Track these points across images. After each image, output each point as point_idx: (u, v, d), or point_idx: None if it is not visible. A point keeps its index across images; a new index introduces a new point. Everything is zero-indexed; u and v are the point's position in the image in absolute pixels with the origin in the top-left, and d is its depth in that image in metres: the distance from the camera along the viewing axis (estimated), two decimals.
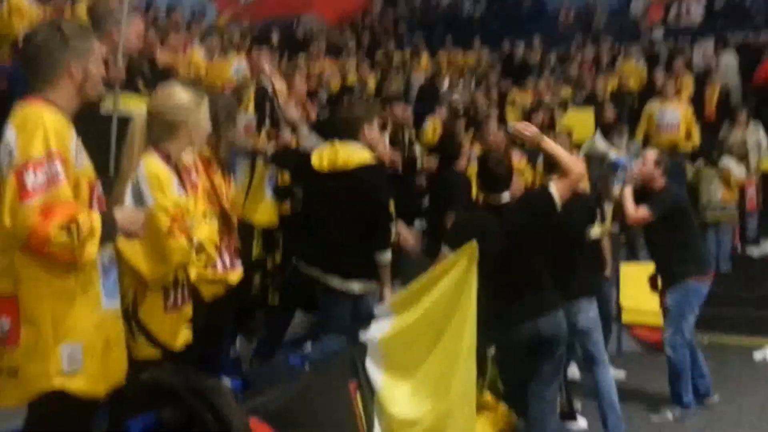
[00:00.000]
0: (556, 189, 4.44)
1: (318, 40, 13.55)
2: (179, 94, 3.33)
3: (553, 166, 4.87)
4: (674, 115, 10.82)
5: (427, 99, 11.25)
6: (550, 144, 4.64)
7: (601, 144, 6.19)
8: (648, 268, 6.55)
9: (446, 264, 4.17)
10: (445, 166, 7.07)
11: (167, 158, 3.28)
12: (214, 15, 13.95)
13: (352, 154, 4.74)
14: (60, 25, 2.84)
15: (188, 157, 3.72)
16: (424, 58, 14.43)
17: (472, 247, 4.05)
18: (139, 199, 3.14)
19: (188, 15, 12.13)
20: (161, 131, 3.28)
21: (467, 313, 4.06)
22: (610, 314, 7.35)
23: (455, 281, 4.08)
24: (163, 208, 3.13)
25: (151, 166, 3.19)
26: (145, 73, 5.32)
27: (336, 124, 5.10)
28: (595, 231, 6.77)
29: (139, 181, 3.16)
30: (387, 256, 4.78)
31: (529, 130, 4.69)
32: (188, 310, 3.40)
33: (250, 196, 5.35)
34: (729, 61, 13.30)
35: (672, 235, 5.93)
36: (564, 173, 4.49)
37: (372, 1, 20.45)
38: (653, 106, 11.02)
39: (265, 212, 5.39)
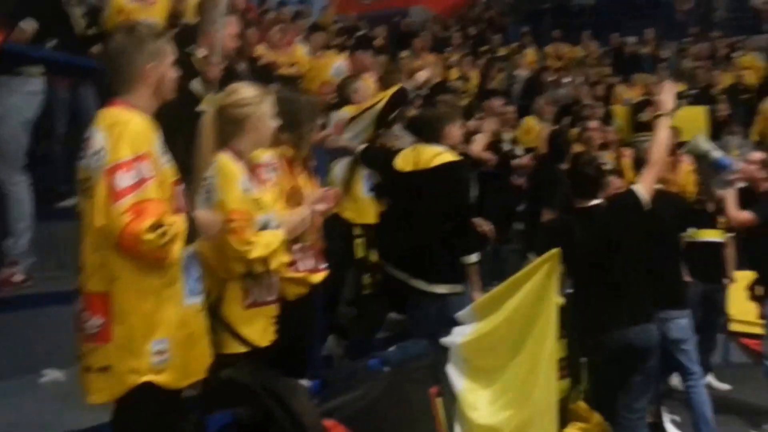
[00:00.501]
0: (641, 186, 4.30)
1: (422, 34, 13.49)
2: (242, 90, 3.39)
3: (640, 164, 4.72)
4: None
5: (533, 95, 11.05)
6: (665, 124, 4.47)
7: (703, 142, 5.89)
8: None
9: (529, 269, 4.12)
10: (545, 164, 6.94)
11: (239, 155, 3.33)
12: (320, 9, 14.23)
13: (434, 154, 4.71)
14: (135, 28, 2.91)
15: (268, 156, 3.82)
16: (530, 52, 14.20)
17: (554, 254, 3.98)
18: (209, 196, 3.21)
19: (293, 10, 12.25)
20: (228, 127, 3.33)
21: (549, 320, 3.99)
22: (718, 324, 7.09)
23: (537, 287, 4.02)
24: (222, 205, 3.18)
25: (222, 163, 3.25)
26: (240, 74, 5.44)
27: (419, 125, 5.07)
28: (711, 234, 6.60)
29: (209, 178, 3.23)
30: (472, 257, 4.74)
31: (668, 98, 4.53)
32: (272, 308, 3.44)
33: (347, 193, 5.38)
34: None
35: None
36: (651, 163, 4.35)
37: None
38: None
39: (361, 210, 5.41)
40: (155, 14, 6.74)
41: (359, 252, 5.38)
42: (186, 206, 2.96)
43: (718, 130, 9.81)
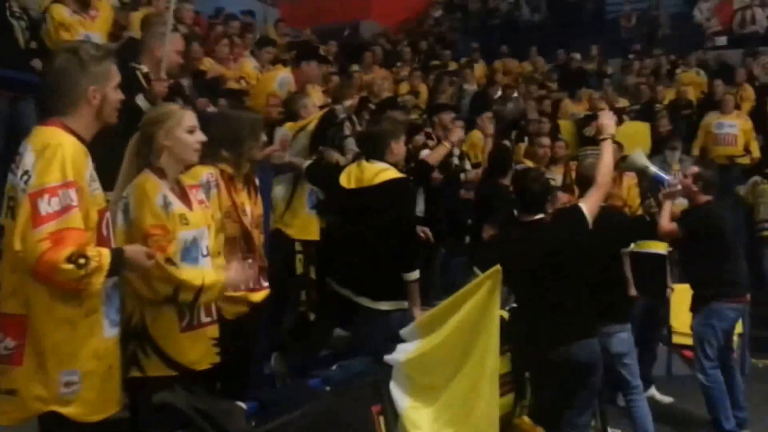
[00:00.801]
0: (586, 205, 4.35)
1: (374, 48, 13.53)
2: (154, 109, 3.46)
3: (585, 182, 4.78)
4: (732, 127, 10.57)
5: (480, 109, 11.14)
6: (609, 148, 4.57)
7: (639, 158, 6.04)
8: None
9: (472, 286, 4.10)
10: (489, 179, 6.98)
11: (160, 173, 3.30)
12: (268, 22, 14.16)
13: (377, 171, 4.72)
14: (78, 50, 2.86)
15: (207, 174, 3.77)
16: (479, 67, 14.32)
17: (496, 271, 3.99)
18: (126, 215, 3.19)
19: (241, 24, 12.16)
20: (145, 147, 3.33)
21: (490, 337, 3.98)
22: (659, 336, 7.20)
23: (480, 304, 4.01)
24: (138, 222, 3.15)
25: (139, 180, 3.23)
26: (183, 90, 5.38)
27: (364, 141, 5.08)
28: (654, 246, 6.71)
29: (126, 197, 3.21)
30: (414, 274, 4.73)
31: (609, 122, 4.63)
32: (211, 330, 3.40)
33: (289, 210, 5.37)
34: None
35: (702, 255, 5.78)
36: (597, 185, 4.41)
37: (430, 9, 20.59)
38: (711, 119, 10.74)
39: (303, 227, 5.38)
40: (97, 29, 6.67)
41: (299, 268, 5.35)
42: (112, 234, 2.94)
43: (659, 145, 9.98)
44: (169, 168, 3.34)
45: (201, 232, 3.37)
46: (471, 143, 9.06)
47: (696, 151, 10.68)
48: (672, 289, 7.19)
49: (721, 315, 5.77)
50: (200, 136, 3.43)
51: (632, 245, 6.38)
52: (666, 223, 5.68)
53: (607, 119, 4.68)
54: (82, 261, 2.56)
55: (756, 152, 10.58)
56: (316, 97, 6.56)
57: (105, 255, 2.67)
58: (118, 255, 2.77)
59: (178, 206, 3.28)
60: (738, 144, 10.55)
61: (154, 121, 3.35)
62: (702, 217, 5.81)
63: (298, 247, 5.41)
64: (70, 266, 2.54)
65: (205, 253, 3.39)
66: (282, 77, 6.64)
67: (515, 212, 4.80)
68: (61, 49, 3.01)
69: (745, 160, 10.53)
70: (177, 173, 3.41)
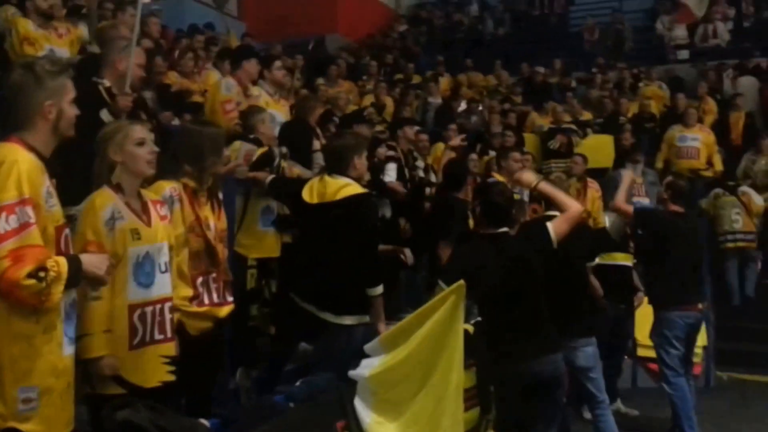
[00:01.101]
0: (553, 225, 4.37)
1: (338, 62, 13.56)
2: (104, 126, 3.46)
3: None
4: (695, 140, 10.71)
5: (444, 122, 11.20)
6: (547, 188, 4.68)
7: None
8: None
9: (436, 301, 4.11)
10: (445, 192, 6.98)
11: (117, 188, 3.32)
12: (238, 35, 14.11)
13: (340, 186, 4.71)
14: (33, 65, 2.85)
15: (171, 189, 3.75)
16: (444, 80, 14.41)
17: (459, 285, 4.00)
18: (74, 227, 3.17)
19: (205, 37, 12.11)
20: (100, 165, 3.35)
21: (455, 352, 4.00)
22: (625, 349, 7.24)
23: (444, 319, 4.02)
24: (80, 236, 3.15)
25: (91, 196, 3.25)
26: (146, 104, 5.34)
27: (326, 156, 5.07)
28: (621, 258, 6.79)
29: (79, 212, 3.23)
30: (378, 289, 4.73)
31: (524, 177, 4.76)
32: (164, 347, 3.37)
33: (243, 228, 5.32)
34: (749, 84, 13.12)
35: (653, 265, 6.00)
36: (566, 215, 4.47)
37: (394, 23, 20.75)
38: (674, 132, 10.89)
39: (256, 246, 5.33)
40: (65, 45, 6.61)
41: (250, 283, 5.31)
42: (70, 249, 2.92)
43: (623, 158, 10.10)
44: (125, 182, 3.35)
45: (157, 248, 3.36)
46: (435, 156, 9.09)
47: (660, 164, 10.81)
48: (643, 293, 7.22)
49: (670, 323, 5.86)
50: (151, 148, 3.43)
51: (598, 258, 6.45)
52: (622, 200, 5.97)
53: (525, 176, 4.84)
54: (42, 274, 2.57)
55: (718, 165, 10.73)
56: (279, 110, 6.56)
57: (62, 264, 2.68)
58: (75, 263, 2.77)
59: (129, 221, 3.27)
60: (701, 157, 10.67)
61: (104, 138, 3.36)
62: (652, 221, 5.99)
63: (250, 262, 5.37)
64: (32, 281, 2.55)
65: (163, 269, 3.38)
66: (225, 83, 6.61)
67: (478, 224, 4.78)
68: (17, 64, 3.02)
69: (708, 174, 10.67)
70: (134, 187, 3.40)
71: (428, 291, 4.94)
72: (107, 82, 4.64)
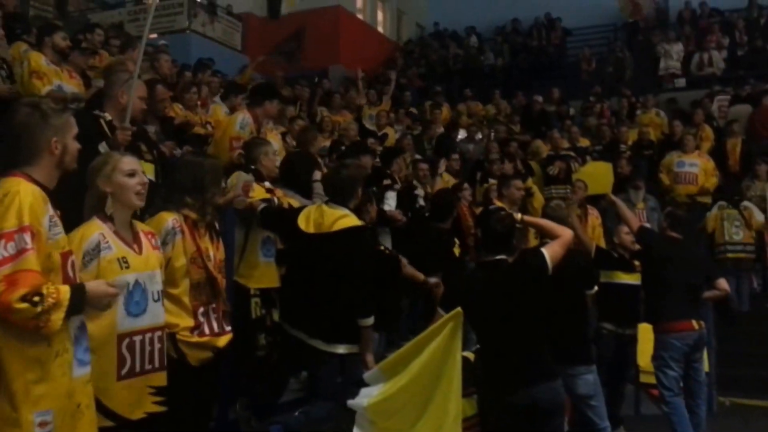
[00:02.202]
0: (548, 251, 4.34)
1: (341, 92, 13.64)
2: (96, 158, 3.46)
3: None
4: (693, 166, 10.72)
5: (445, 151, 11.20)
6: (530, 219, 4.74)
7: None
8: None
9: (434, 329, 4.08)
10: (428, 223, 6.98)
11: (106, 218, 3.34)
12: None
13: (336, 217, 4.70)
14: (39, 104, 2.98)
15: (173, 220, 3.74)
16: (444, 110, 14.45)
17: (457, 313, 3.97)
18: None
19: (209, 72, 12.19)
20: (92, 197, 3.38)
21: (452, 379, 3.97)
22: (627, 376, 7.19)
23: (442, 346, 4.00)
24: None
25: (82, 226, 3.27)
26: (147, 135, 5.34)
27: (326, 186, 5.05)
28: (627, 277, 6.79)
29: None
30: (369, 320, 4.71)
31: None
32: (154, 378, 3.36)
33: (244, 258, 5.27)
34: (742, 110, 13.21)
35: (650, 287, 6.06)
36: (559, 240, 4.44)
37: (396, 54, 20.91)
38: (672, 158, 10.90)
39: (258, 276, 5.30)
40: (73, 84, 6.65)
41: (255, 312, 5.27)
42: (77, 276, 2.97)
43: (622, 184, 10.11)
44: (115, 213, 3.37)
45: (148, 276, 3.37)
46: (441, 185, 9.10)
47: (666, 182, 10.87)
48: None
49: (667, 345, 5.87)
50: (141, 179, 3.46)
51: (602, 277, 6.56)
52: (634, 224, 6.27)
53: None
54: (36, 299, 2.64)
55: (712, 186, 10.79)
56: (272, 139, 6.57)
57: (63, 291, 2.74)
58: (78, 291, 2.83)
59: (117, 250, 3.28)
60: (698, 182, 10.70)
61: (95, 170, 3.39)
62: (650, 242, 6.09)
63: (253, 291, 5.34)
64: (25, 305, 2.62)
65: (156, 298, 3.38)
66: (242, 119, 6.63)
67: (478, 251, 4.77)
68: (21, 104, 3.09)
69: (705, 199, 10.67)
70: (125, 217, 3.43)
71: (427, 318, 4.89)
72: (108, 116, 4.66)
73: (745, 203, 10.07)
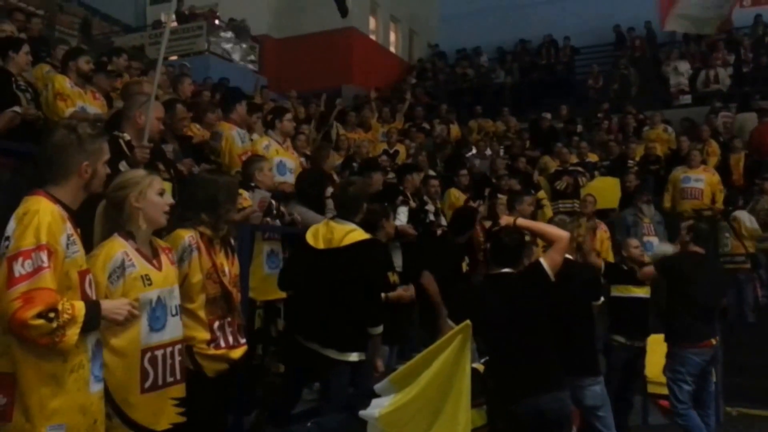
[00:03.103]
0: (546, 260, 4.37)
1: (354, 111, 13.70)
2: (121, 175, 3.50)
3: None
4: (698, 181, 10.68)
5: (455, 167, 11.22)
6: (526, 222, 4.75)
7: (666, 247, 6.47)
8: None
9: (443, 340, 4.10)
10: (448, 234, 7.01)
11: (128, 236, 3.34)
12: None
13: (345, 232, 4.76)
14: (76, 127, 3.01)
15: (189, 237, 3.78)
16: (455, 127, 14.49)
17: (466, 325, 3.98)
18: None
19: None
20: (114, 211, 3.37)
21: (462, 390, 3.97)
22: (636, 387, 7.16)
23: (451, 358, 4.01)
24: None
25: (104, 243, 3.26)
26: (165, 154, 5.41)
27: (336, 202, 5.12)
28: (637, 291, 6.79)
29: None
30: (378, 329, 4.81)
31: (503, 220, 4.82)
32: (174, 390, 3.38)
33: (250, 271, 5.32)
34: (748, 118, 13.26)
35: (673, 304, 5.98)
36: (554, 245, 4.46)
37: (407, 73, 21.00)
38: (678, 173, 10.88)
39: (263, 288, 5.34)
40: (97, 106, 6.73)
41: (257, 323, 5.31)
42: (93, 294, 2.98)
43: (630, 199, 10.10)
44: (139, 230, 3.38)
45: (168, 291, 3.40)
46: (450, 202, 9.15)
47: (667, 204, 10.83)
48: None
49: (685, 360, 5.87)
50: (169, 200, 3.51)
51: (612, 291, 6.61)
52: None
53: (504, 219, 4.87)
54: (52, 315, 2.66)
55: (720, 204, 10.74)
56: (289, 157, 6.62)
57: (79, 308, 2.76)
58: (93, 308, 2.85)
59: (140, 268, 3.30)
60: (704, 197, 10.65)
61: (125, 185, 3.40)
62: (674, 263, 6.03)
63: (259, 303, 5.39)
64: (40, 321, 2.64)
65: (174, 312, 3.41)
66: (236, 133, 6.78)
67: (487, 264, 4.79)
68: (60, 125, 3.15)
69: (710, 213, 10.61)
70: (147, 235, 3.44)
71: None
72: (127, 136, 4.71)
73: (735, 214, 10.08)
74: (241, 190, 5.28)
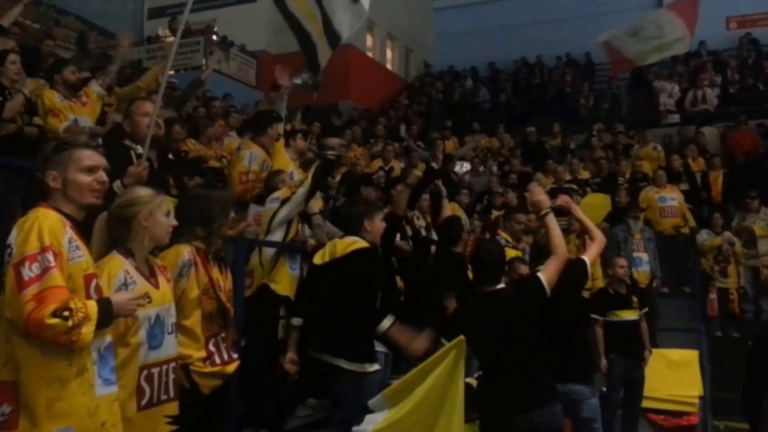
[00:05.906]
0: (544, 274, 4.31)
1: (351, 127, 13.72)
2: (131, 192, 3.43)
3: (540, 251, 4.79)
4: (673, 200, 10.78)
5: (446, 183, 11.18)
6: (551, 221, 4.54)
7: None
8: (663, 353, 6.46)
9: (437, 356, 4.06)
10: (443, 246, 6.96)
11: (127, 253, 3.28)
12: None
13: (348, 244, 4.80)
14: (58, 141, 2.98)
15: (188, 254, 3.72)
16: (450, 143, 14.49)
17: (460, 341, 3.94)
18: None
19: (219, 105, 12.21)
20: (117, 227, 3.31)
21: (455, 407, 3.92)
22: (640, 399, 7.16)
23: (444, 374, 3.97)
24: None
25: (104, 262, 3.20)
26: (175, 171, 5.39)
27: (340, 220, 5.11)
28: (628, 314, 6.89)
29: None
30: (385, 323, 4.71)
31: (539, 198, 4.60)
32: (168, 407, 3.33)
33: (276, 267, 5.33)
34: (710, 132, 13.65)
35: None
36: (554, 256, 4.39)
37: (404, 90, 21.04)
38: (650, 193, 10.94)
39: (288, 285, 5.32)
40: (86, 114, 6.66)
41: (281, 333, 5.24)
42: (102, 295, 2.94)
43: (620, 215, 10.10)
44: (139, 248, 3.33)
45: (165, 309, 3.36)
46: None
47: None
48: (650, 351, 7.34)
49: None
50: (173, 221, 3.48)
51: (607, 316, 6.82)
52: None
53: (538, 196, 4.61)
54: (66, 314, 2.64)
55: (692, 221, 10.88)
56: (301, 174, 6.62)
57: (91, 305, 2.75)
58: (105, 304, 2.83)
59: (141, 285, 3.25)
60: (679, 215, 10.77)
61: (134, 203, 3.33)
62: None
63: (282, 312, 5.31)
64: (56, 320, 2.62)
65: (170, 330, 3.37)
66: (249, 155, 6.71)
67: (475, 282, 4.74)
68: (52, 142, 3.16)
69: (686, 230, 10.79)
70: (146, 253, 3.39)
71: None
72: (140, 148, 4.68)
73: (702, 231, 10.34)
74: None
